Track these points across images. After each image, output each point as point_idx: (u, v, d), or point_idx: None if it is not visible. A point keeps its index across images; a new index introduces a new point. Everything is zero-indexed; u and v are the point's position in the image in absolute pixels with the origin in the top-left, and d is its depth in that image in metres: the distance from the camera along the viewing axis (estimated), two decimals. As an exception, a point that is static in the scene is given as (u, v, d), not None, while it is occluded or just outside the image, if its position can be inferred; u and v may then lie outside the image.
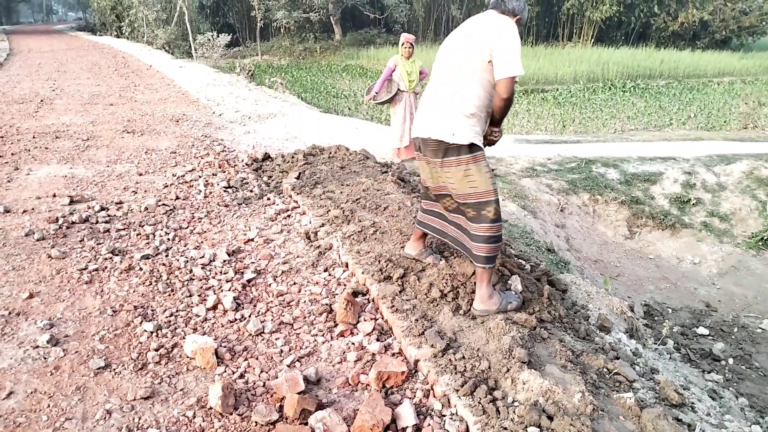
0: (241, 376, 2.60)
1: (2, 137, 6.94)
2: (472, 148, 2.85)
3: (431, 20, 34.10)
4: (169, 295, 3.30)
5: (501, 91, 2.75)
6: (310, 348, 2.84)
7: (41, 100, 9.71)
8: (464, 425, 2.25)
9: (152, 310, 3.12)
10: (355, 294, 3.27)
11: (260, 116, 9.42)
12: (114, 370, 2.60)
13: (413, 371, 2.62)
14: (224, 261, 3.76)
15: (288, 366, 2.69)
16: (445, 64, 2.96)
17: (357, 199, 4.71)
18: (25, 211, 4.50)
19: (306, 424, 2.25)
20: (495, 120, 2.97)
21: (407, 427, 2.25)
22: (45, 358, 2.66)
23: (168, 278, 3.47)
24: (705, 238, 7.18)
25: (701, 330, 5.12)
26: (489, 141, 3.06)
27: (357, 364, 2.70)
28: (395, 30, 31.15)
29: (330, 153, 6.32)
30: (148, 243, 4.01)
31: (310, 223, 4.40)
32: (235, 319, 3.08)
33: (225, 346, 2.80)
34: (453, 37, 2.98)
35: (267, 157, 6.37)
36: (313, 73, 22.59)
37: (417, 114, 3.07)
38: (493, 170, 3.41)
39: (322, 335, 2.95)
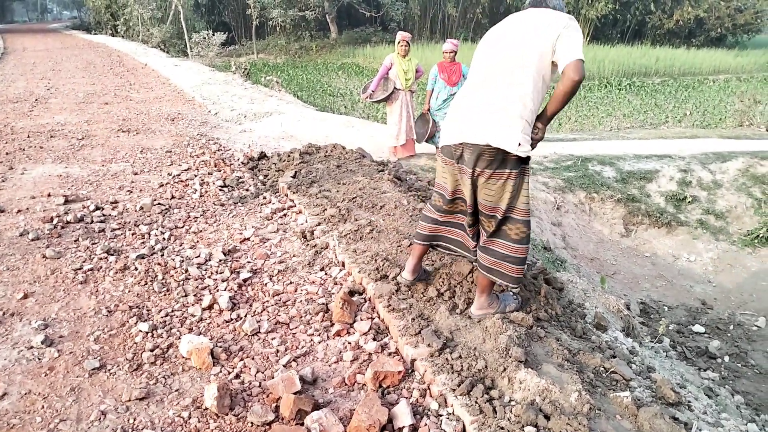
0: (237, 376, 2.59)
1: (-4, 136, 6.90)
2: (526, 159, 2.61)
3: (427, 18, 34.08)
4: (165, 294, 3.28)
5: (572, 72, 2.40)
6: (307, 348, 2.84)
7: (36, 99, 9.66)
8: (461, 425, 2.24)
9: (147, 310, 3.10)
10: (351, 293, 3.27)
11: (256, 115, 9.39)
12: (109, 370, 2.59)
13: (410, 371, 2.61)
14: (220, 260, 3.74)
15: (284, 366, 2.68)
16: (494, 64, 2.61)
17: (353, 198, 4.70)
18: (19, 211, 4.48)
19: (302, 424, 2.24)
20: (550, 110, 2.61)
21: (404, 427, 2.24)
22: (39, 359, 2.64)
23: (163, 278, 3.46)
24: (701, 236, 7.19)
25: (697, 328, 5.13)
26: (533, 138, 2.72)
27: (353, 363, 2.69)
28: (391, 28, 31.13)
29: (326, 152, 6.30)
30: (143, 242, 3.99)
31: (306, 222, 4.39)
32: (231, 319, 3.07)
33: (221, 346, 2.79)
34: (499, 36, 2.68)
35: (263, 155, 6.35)
36: (309, 72, 22.55)
37: (458, 118, 2.67)
38: None
39: (319, 335, 2.94)
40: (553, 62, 2.51)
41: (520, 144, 2.49)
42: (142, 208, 4.61)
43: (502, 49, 2.60)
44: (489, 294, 2.90)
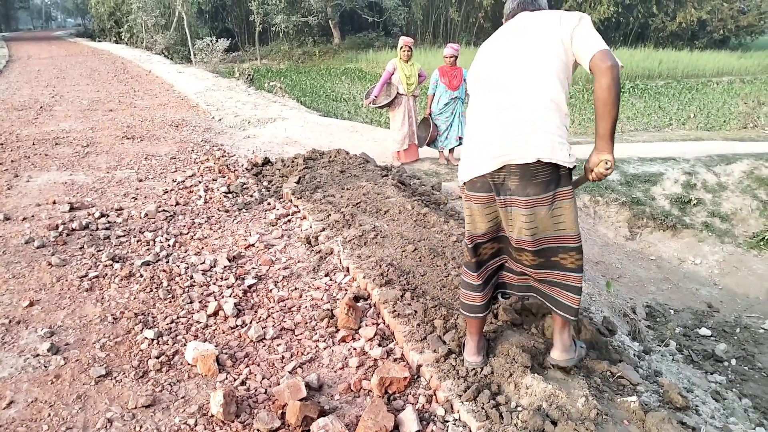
0: (243, 383, 2.59)
1: (2, 144, 6.94)
2: (571, 174, 2.27)
3: (429, 23, 34.13)
4: (170, 301, 3.29)
5: (603, 60, 2.08)
6: (312, 354, 2.83)
7: (41, 107, 9.72)
8: (467, 431, 2.24)
9: (153, 317, 3.11)
10: (356, 299, 3.26)
11: (260, 121, 9.42)
12: (115, 378, 2.59)
13: (415, 376, 2.61)
14: (225, 267, 3.75)
15: (290, 372, 2.67)
16: (510, 74, 2.27)
17: (357, 203, 4.70)
18: (24, 219, 4.50)
19: (308, 431, 2.24)
20: (605, 127, 2.16)
21: (410, 433, 2.23)
22: (45, 367, 2.65)
23: (168, 285, 3.46)
24: (706, 239, 7.16)
25: (703, 331, 5.10)
26: (598, 175, 2.23)
27: (359, 369, 2.69)
28: (394, 33, 31.17)
29: (330, 157, 6.31)
30: (148, 249, 4.00)
31: (311, 227, 4.39)
32: (237, 326, 3.07)
33: (226, 353, 2.79)
34: (503, 46, 2.36)
35: (267, 161, 6.36)
36: (312, 77, 22.60)
37: (487, 140, 2.26)
38: None
39: (324, 341, 2.94)
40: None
41: (570, 154, 2.20)
42: (146, 214, 4.62)
43: (515, 58, 2.28)
44: (570, 333, 2.53)
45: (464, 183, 2.39)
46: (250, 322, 3.09)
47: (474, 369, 2.53)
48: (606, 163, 2.18)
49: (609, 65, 2.07)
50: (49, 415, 2.34)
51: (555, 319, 2.50)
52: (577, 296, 2.36)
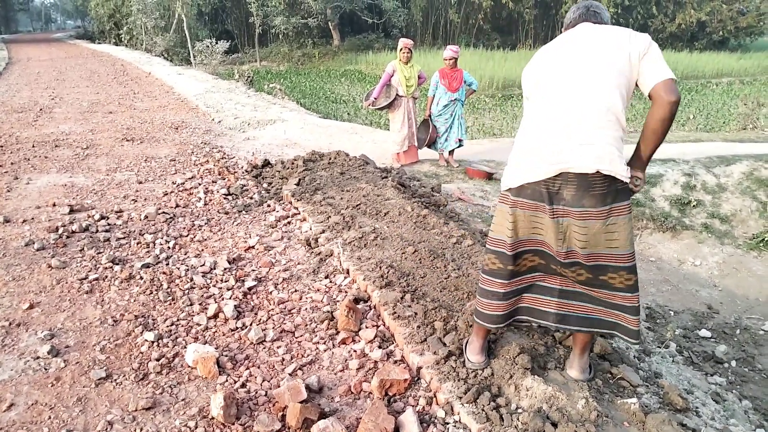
0: (243, 385, 2.59)
1: (2, 146, 6.94)
2: (628, 190, 2.20)
3: (429, 25, 34.17)
4: (170, 304, 3.29)
5: (665, 93, 2.08)
6: (312, 356, 2.83)
7: (40, 109, 9.72)
8: (468, 433, 2.24)
9: (153, 320, 3.11)
10: (356, 301, 3.26)
11: (259, 122, 9.42)
12: (115, 380, 2.59)
13: (416, 378, 2.61)
14: (225, 269, 3.75)
15: (290, 374, 2.67)
16: (574, 83, 2.20)
17: (357, 205, 4.70)
18: (24, 221, 4.50)
19: (309, 433, 2.24)
20: (647, 150, 2.22)
21: (410, 435, 2.23)
22: (46, 369, 2.65)
23: (168, 287, 3.46)
24: (706, 240, 7.17)
25: (703, 332, 5.10)
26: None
27: (359, 371, 2.69)
28: (393, 35, 31.21)
29: (329, 159, 6.32)
30: (148, 251, 4.00)
31: (311, 229, 4.39)
32: (237, 328, 3.07)
33: (226, 355, 2.79)
34: (564, 53, 2.30)
35: (267, 163, 6.37)
36: (311, 79, 22.61)
37: (545, 145, 2.19)
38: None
39: (324, 343, 2.94)
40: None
41: (628, 169, 2.14)
42: (146, 217, 4.62)
43: (580, 68, 2.21)
44: (589, 354, 2.53)
45: (510, 188, 2.28)
46: (250, 324, 3.09)
47: (475, 370, 2.53)
48: (636, 180, 2.22)
49: (672, 100, 2.08)
50: (50, 417, 2.34)
51: (576, 341, 2.50)
52: (634, 317, 2.27)
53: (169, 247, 4.09)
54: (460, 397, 2.36)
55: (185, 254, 4.01)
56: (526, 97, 2.44)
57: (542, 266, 2.37)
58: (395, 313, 3.01)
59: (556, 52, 2.33)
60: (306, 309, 3.28)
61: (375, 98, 7.26)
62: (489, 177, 7.17)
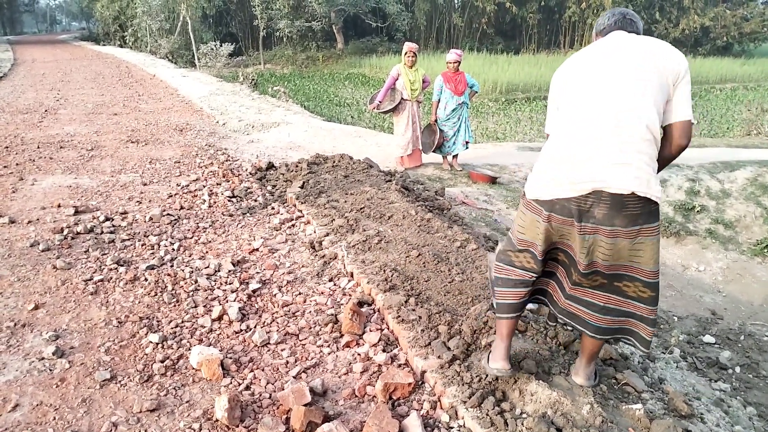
0: (247, 387, 2.59)
1: (7, 147, 6.96)
2: (659, 211, 2.15)
3: (433, 28, 34.25)
4: (175, 305, 3.29)
5: (681, 136, 2.10)
6: (316, 359, 2.83)
7: (45, 110, 9.76)
8: (472, 437, 2.23)
9: (157, 321, 3.11)
10: (360, 304, 3.26)
11: (264, 125, 9.45)
12: (120, 382, 2.60)
13: (420, 382, 2.61)
14: (229, 271, 3.75)
15: (294, 377, 2.68)
16: (603, 94, 2.11)
17: (361, 208, 4.71)
18: (30, 222, 4.51)
19: (313, 436, 2.24)
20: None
21: (415, 439, 2.23)
22: (51, 370, 2.65)
23: (173, 289, 3.47)
24: (710, 246, 7.15)
25: (707, 338, 5.08)
26: None
27: (363, 375, 2.69)
28: (397, 38, 31.27)
29: (334, 162, 6.33)
30: (153, 253, 4.01)
31: (315, 232, 4.40)
32: (241, 330, 3.07)
33: (231, 358, 2.79)
34: (598, 62, 2.20)
35: (271, 166, 6.38)
36: (315, 82, 22.65)
37: (578, 159, 2.10)
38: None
39: (328, 346, 2.94)
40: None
41: (661, 189, 2.09)
42: (151, 218, 4.63)
43: (617, 80, 2.11)
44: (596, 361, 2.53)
45: (538, 199, 2.21)
46: (255, 327, 3.09)
47: (497, 377, 2.46)
48: None
49: (683, 145, 2.11)
50: (54, 418, 2.35)
51: (584, 349, 2.48)
52: (651, 328, 2.24)
53: (173, 249, 4.10)
54: (465, 402, 2.36)
55: (190, 256, 4.01)
56: (553, 102, 2.38)
57: (564, 264, 2.34)
58: (399, 316, 3.02)
59: (588, 61, 2.24)
60: (310, 312, 3.28)
61: (379, 102, 7.27)
62: (493, 181, 7.18)
